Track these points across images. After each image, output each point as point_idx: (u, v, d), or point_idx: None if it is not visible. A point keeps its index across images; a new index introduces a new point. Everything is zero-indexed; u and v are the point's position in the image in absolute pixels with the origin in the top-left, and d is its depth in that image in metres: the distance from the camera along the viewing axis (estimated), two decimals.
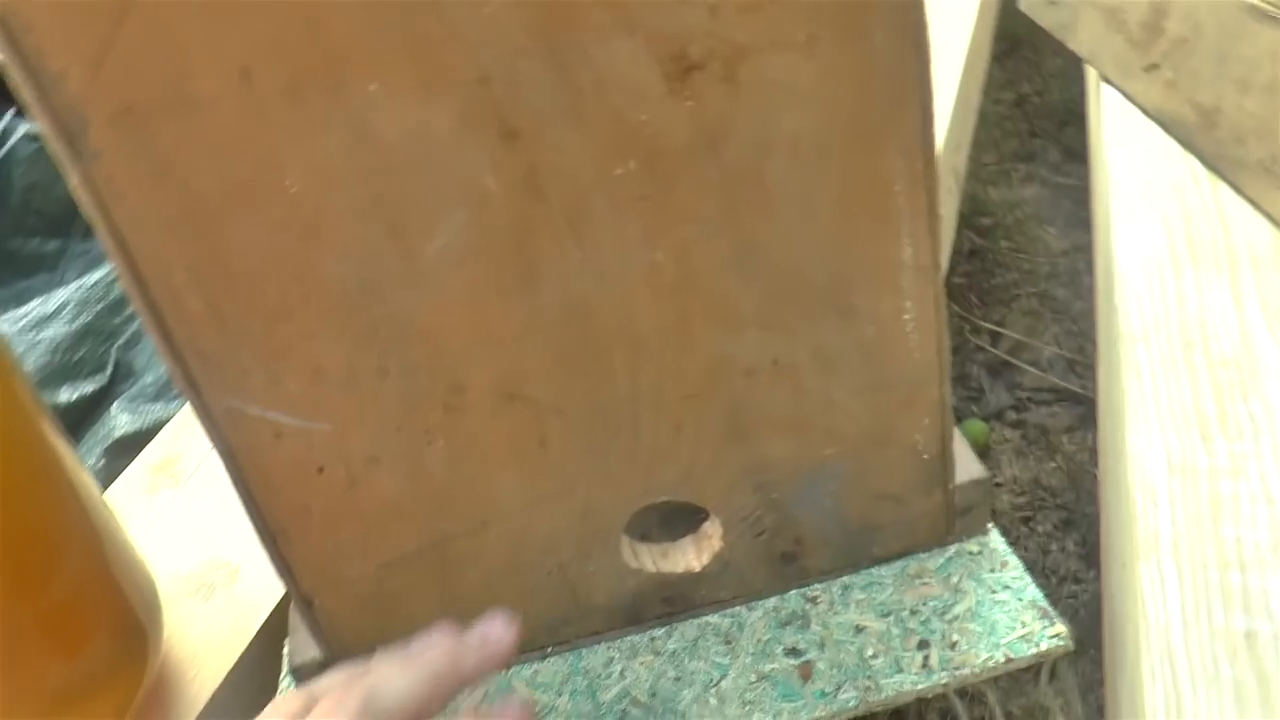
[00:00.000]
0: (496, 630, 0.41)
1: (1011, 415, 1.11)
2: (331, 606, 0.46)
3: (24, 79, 0.32)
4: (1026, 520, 1.00)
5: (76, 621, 0.47)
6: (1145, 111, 0.73)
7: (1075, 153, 1.49)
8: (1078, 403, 1.10)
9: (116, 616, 0.49)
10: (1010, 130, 1.59)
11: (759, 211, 0.38)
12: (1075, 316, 1.21)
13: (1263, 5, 0.63)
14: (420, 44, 0.34)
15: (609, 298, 0.39)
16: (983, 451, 1.09)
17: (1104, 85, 0.78)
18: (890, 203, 0.39)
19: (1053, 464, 1.05)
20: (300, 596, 0.46)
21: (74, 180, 0.34)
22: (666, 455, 0.43)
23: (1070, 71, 1.67)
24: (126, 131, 0.33)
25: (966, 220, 1.39)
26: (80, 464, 0.48)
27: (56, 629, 0.46)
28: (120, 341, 0.92)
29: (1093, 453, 1.04)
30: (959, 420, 1.12)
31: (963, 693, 0.76)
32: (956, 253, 1.34)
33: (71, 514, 0.47)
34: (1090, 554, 0.95)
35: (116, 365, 0.90)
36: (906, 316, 0.42)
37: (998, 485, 1.06)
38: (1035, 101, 1.63)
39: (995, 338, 1.19)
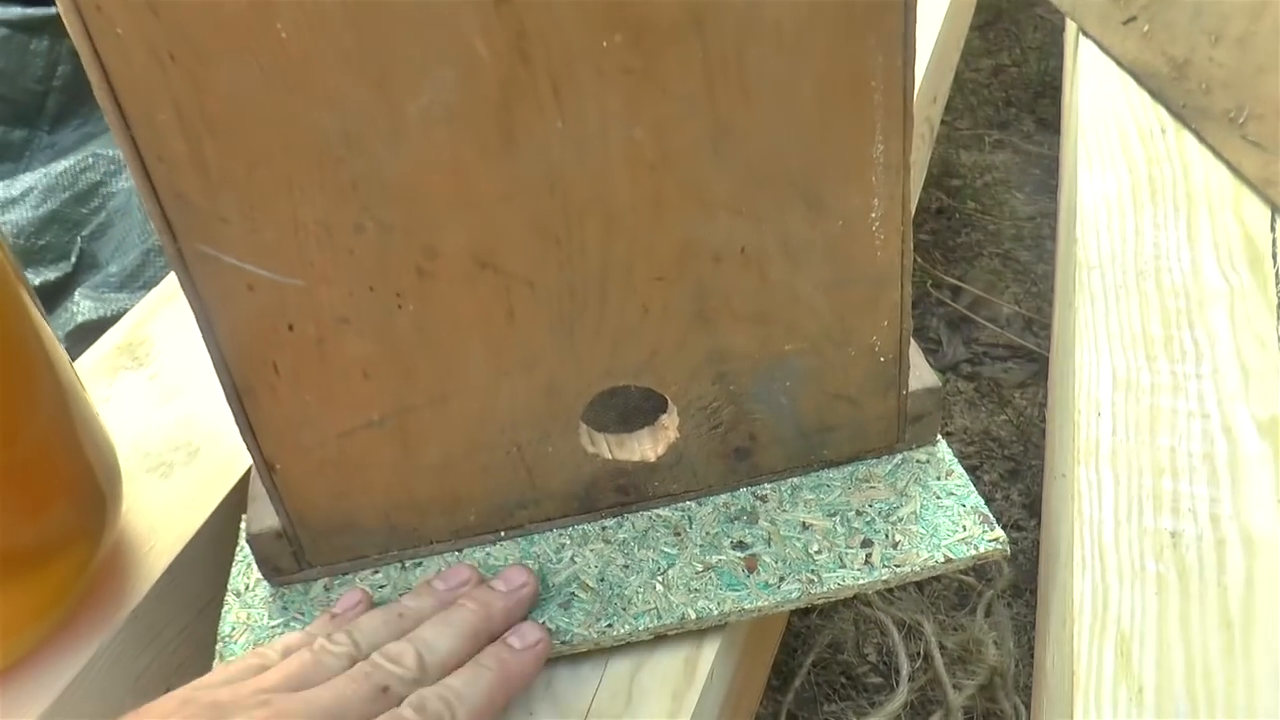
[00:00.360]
0: (519, 577, 0.46)
1: (967, 368, 1.14)
2: (292, 473, 0.47)
3: None
4: (974, 469, 1.03)
5: (41, 482, 0.47)
6: (1120, 63, 0.74)
7: (1048, 123, 1.51)
8: (1032, 360, 1.12)
9: (79, 481, 0.50)
10: (986, 98, 1.61)
11: (738, 95, 0.39)
12: (1036, 278, 1.23)
13: None
14: None
15: (587, 170, 0.40)
16: None
17: (1083, 39, 0.80)
18: (866, 98, 0.40)
19: (1003, 417, 1.07)
20: (263, 460, 0.46)
21: (64, 7, 0.34)
22: (632, 336, 0.44)
23: (1048, 45, 1.69)
24: None
25: (936, 180, 1.41)
26: (52, 332, 0.49)
27: (21, 487, 0.46)
28: (86, 232, 0.91)
29: (1042, 408, 1.06)
30: None
31: (900, 624, 0.79)
32: (924, 210, 1.36)
33: (43, 376, 0.47)
34: (1033, 504, 0.98)
35: (81, 254, 0.89)
36: (873, 214, 0.43)
37: (948, 434, 1.08)
38: (1013, 72, 1.65)
39: (956, 293, 1.21)
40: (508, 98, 0.38)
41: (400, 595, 0.47)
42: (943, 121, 1.56)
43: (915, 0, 0.39)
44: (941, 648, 0.77)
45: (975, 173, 1.42)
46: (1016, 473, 1.01)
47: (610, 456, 0.49)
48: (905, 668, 0.74)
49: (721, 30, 0.38)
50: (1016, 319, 1.18)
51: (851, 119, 0.41)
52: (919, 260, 1.25)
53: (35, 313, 0.47)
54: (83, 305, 0.82)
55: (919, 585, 0.89)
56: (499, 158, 0.39)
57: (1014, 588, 0.89)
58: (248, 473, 0.56)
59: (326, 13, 0.36)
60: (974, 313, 1.18)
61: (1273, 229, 0.57)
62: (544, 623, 0.45)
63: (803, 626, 0.84)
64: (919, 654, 0.77)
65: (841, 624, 0.83)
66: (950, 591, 0.89)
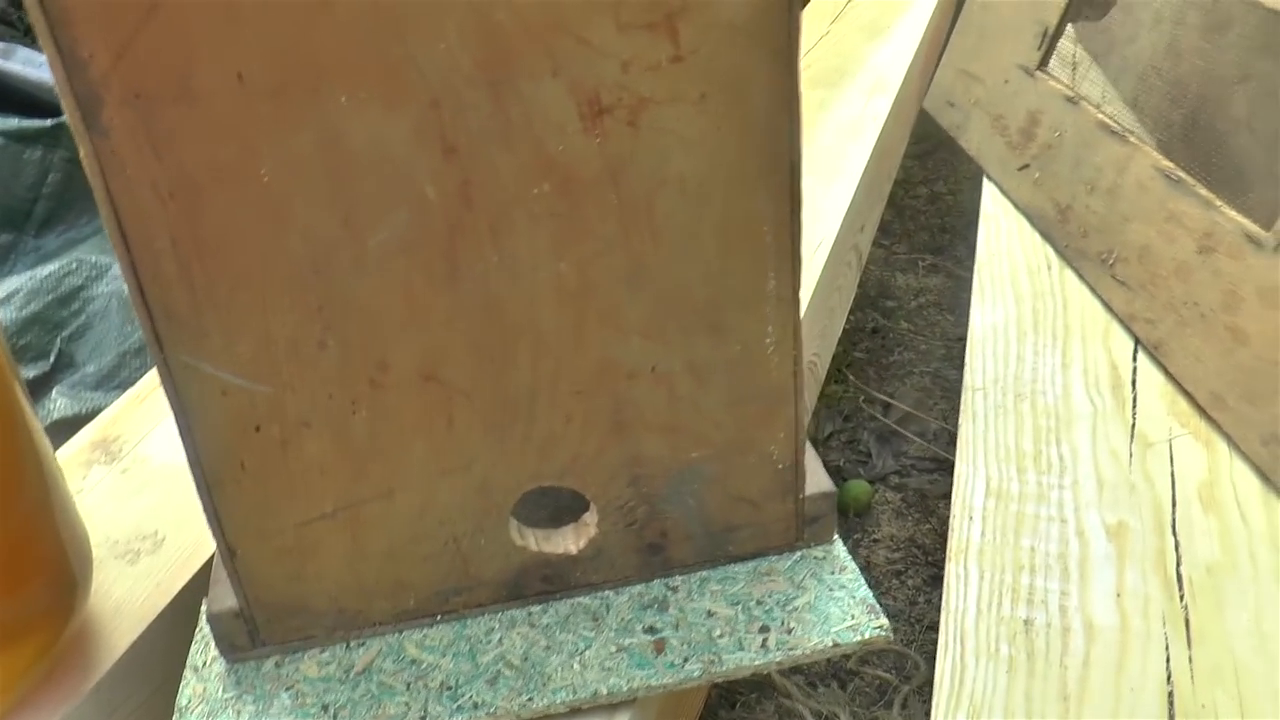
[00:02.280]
0: None
1: (895, 479, 1.20)
2: (252, 558, 0.52)
3: (55, 60, 0.39)
4: (899, 574, 1.09)
5: (20, 562, 0.52)
6: (1017, 205, 0.83)
7: None
8: None
9: (54, 564, 0.55)
10: (923, 224, 1.70)
11: (649, 237, 0.46)
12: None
13: (1109, 122, 0.73)
14: (386, 65, 0.41)
15: (519, 297, 0.47)
16: (865, 511, 1.17)
17: (986, 181, 0.89)
18: (760, 241, 0.48)
19: (928, 525, 1.13)
20: (226, 546, 0.52)
21: (84, 151, 0.41)
22: (557, 443, 0.51)
23: (980, 175, 1.80)
24: (135, 113, 0.40)
25: (872, 301, 1.49)
26: (37, 421, 0.54)
27: (2, 565, 0.51)
28: (66, 333, 0.97)
29: None
30: (846, 480, 1.20)
31: (819, 715, 0.84)
32: (859, 330, 1.44)
33: (31, 464, 0.53)
34: None
35: (60, 354, 0.95)
36: (768, 340, 0.50)
37: (875, 541, 1.14)
38: (948, 199, 1.76)
39: (887, 408, 1.29)
40: (453, 235, 0.45)
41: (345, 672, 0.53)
42: (881, 245, 1.66)
43: (800, 162, 0.47)
44: None
45: (909, 295, 1.51)
46: (938, 578, 1.07)
47: (537, 549, 0.55)
48: None
49: (634, 182, 0.45)
50: (943, 434, 1.25)
51: (747, 258, 0.48)
52: (853, 379, 1.33)
53: (26, 405, 0.53)
54: (59, 402, 0.87)
55: (839, 680, 0.94)
56: (444, 286, 0.46)
57: (929, 684, 0.94)
58: (208, 561, 0.61)
59: (304, 160, 0.43)
60: (903, 427, 1.25)
61: (1134, 359, 0.65)
62: (471, 696, 0.51)
63: (728, 718, 0.88)
64: None
65: (763, 715, 0.88)
66: (870, 688, 0.94)
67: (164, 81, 0.40)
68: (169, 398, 0.47)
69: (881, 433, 1.26)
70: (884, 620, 0.53)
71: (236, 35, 0.40)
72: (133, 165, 0.42)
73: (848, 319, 1.46)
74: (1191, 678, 0.45)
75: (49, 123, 1.11)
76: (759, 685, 0.92)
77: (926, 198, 1.76)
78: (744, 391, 0.51)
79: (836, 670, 0.97)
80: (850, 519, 1.17)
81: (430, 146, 0.43)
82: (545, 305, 0.47)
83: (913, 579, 1.08)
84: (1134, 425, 0.60)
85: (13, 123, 1.10)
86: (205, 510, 0.50)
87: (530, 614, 0.56)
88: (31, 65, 1.14)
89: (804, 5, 1.54)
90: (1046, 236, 0.78)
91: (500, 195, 0.44)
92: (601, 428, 0.51)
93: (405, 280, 0.46)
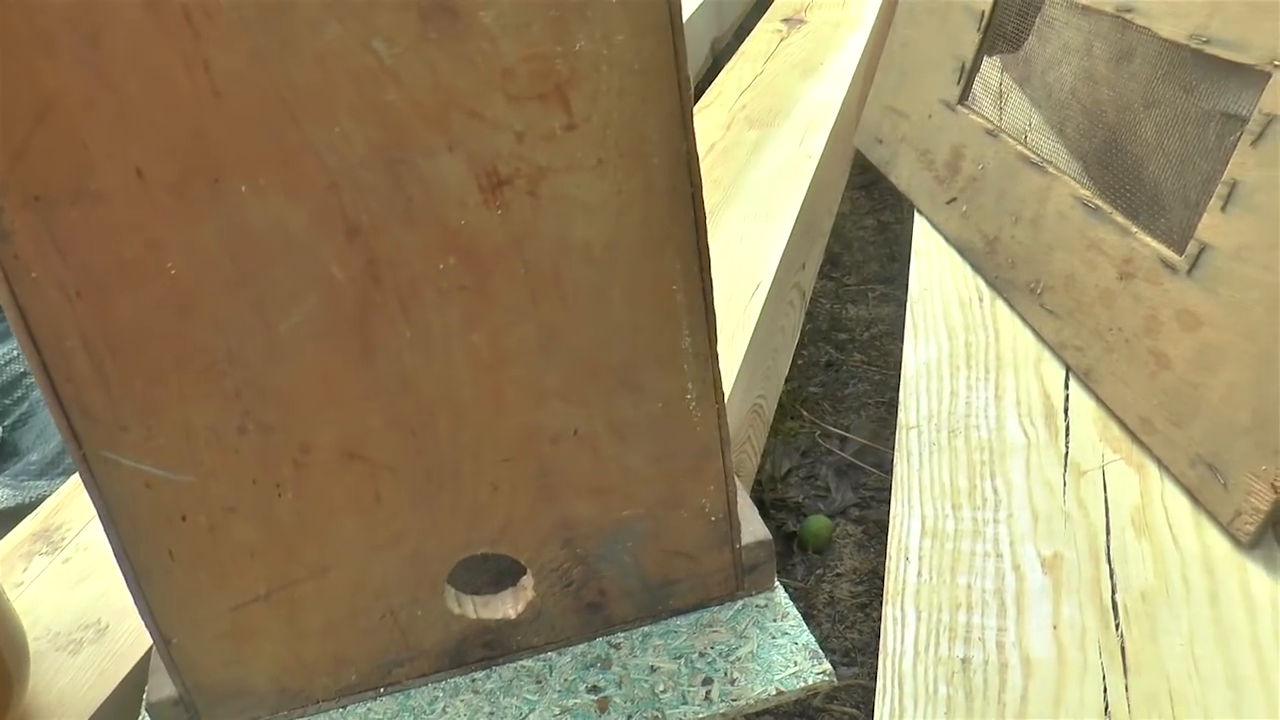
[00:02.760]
0: None
1: (855, 512, 1.21)
2: (188, 645, 0.52)
3: None
4: (863, 607, 1.09)
5: None
6: (947, 239, 0.84)
7: None
8: None
9: None
10: (872, 254, 1.72)
11: (559, 303, 0.47)
12: None
13: (1029, 153, 0.74)
14: (283, 153, 0.42)
15: (435, 371, 0.47)
16: (826, 544, 1.17)
17: (917, 215, 0.90)
18: (670, 299, 0.48)
19: None
20: (160, 635, 0.51)
21: None
22: (485, 511, 0.51)
23: None
24: (35, 216, 0.40)
25: (825, 335, 1.50)
26: None
27: None
28: (8, 422, 0.97)
29: None
30: (805, 516, 1.21)
31: None
32: (814, 364, 1.45)
33: None
34: None
35: (3, 443, 0.94)
36: (689, 396, 0.51)
37: (839, 575, 1.15)
38: (896, 229, 1.77)
39: (843, 442, 1.29)
40: (364, 314, 0.45)
41: None
42: (830, 278, 1.68)
43: (704, 219, 0.47)
44: None
45: (862, 326, 1.52)
46: None
47: (476, 616, 0.54)
48: None
49: (540, 251, 0.46)
50: None
51: (659, 317, 0.48)
52: (807, 415, 1.34)
53: None
54: (2, 493, 0.87)
55: (807, 718, 0.94)
56: (360, 365, 0.46)
57: None
58: (150, 648, 0.61)
59: (210, 251, 0.43)
60: (861, 460, 1.26)
61: (1066, 387, 0.66)
62: None
63: None
64: None
65: None
66: None
67: (63, 182, 0.41)
68: (90, 494, 0.47)
69: (839, 466, 1.27)
70: (826, 665, 0.54)
71: (132, 132, 0.40)
72: (37, 267, 0.42)
73: (800, 355, 1.47)
74: (1128, 707, 0.46)
75: None
76: None
77: (874, 228, 1.78)
78: (669, 448, 0.52)
79: (804, 709, 0.97)
80: (811, 555, 1.17)
81: (333, 229, 0.43)
82: (461, 377, 0.47)
83: (877, 612, 1.08)
84: (1067, 454, 0.60)
85: None
86: (136, 601, 0.50)
87: (474, 680, 0.56)
88: None
89: (726, 57, 1.56)
90: (977, 268, 0.79)
91: (407, 272, 0.45)
92: (529, 493, 0.51)
93: (321, 361, 0.46)
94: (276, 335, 0.45)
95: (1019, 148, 0.75)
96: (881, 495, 1.23)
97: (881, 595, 1.10)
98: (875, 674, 0.75)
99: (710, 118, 1.35)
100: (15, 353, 1.00)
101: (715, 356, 0.50)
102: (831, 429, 1.31)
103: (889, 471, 1.25)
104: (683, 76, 0.44)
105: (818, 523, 1.18)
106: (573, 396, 0.49)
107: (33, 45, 0.39)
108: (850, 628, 1.13)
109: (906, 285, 1.62)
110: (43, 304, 0.43)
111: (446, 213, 0.44)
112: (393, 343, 0.46)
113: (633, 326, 0.48)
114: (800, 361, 1.46)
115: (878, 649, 1.05)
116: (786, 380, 1.35)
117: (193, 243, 0.43)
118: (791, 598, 1.14)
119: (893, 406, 1.37)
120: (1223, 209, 0.55)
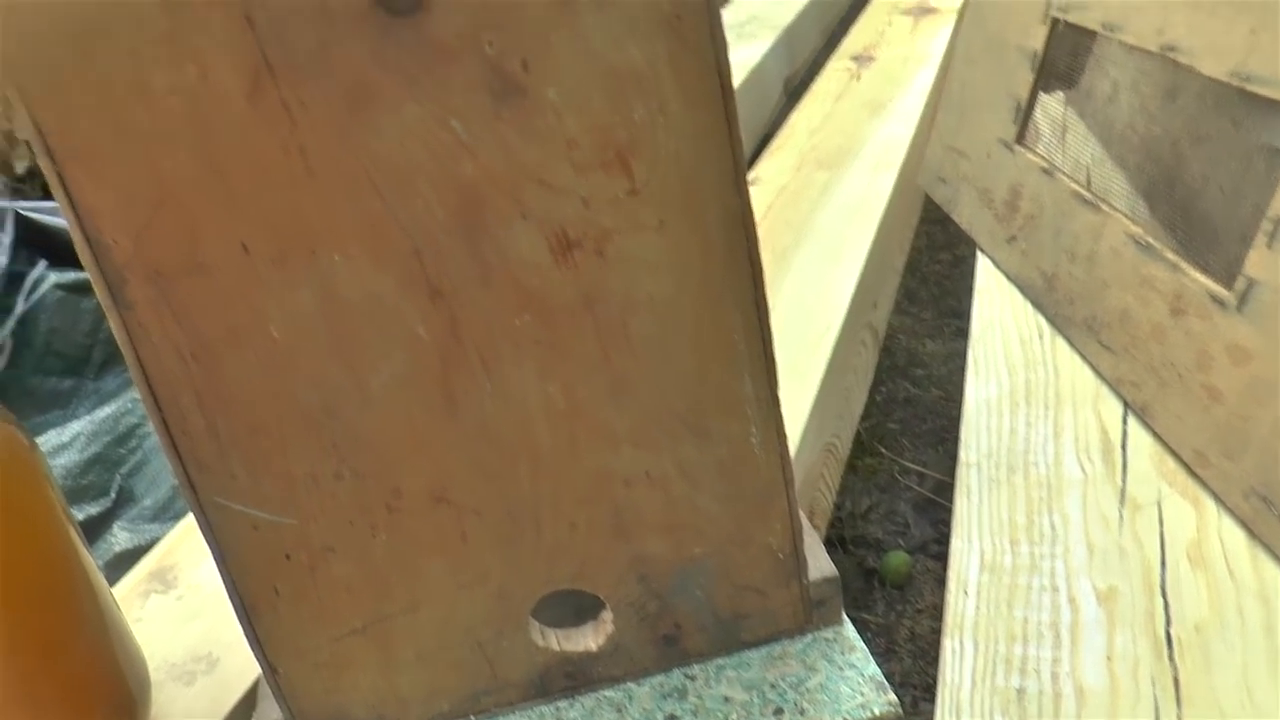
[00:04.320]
0: None
1: (934, 547, 1.22)
2: (292, 674, 0.56)
3: (84, 247, 0.44)
4: None
5: (84, 691, 0.57)
6: (1008, 276, 0.86)
7: None
8: None
9: (115, 690, 0.59)
10: (949, 289, 1.73)
11: (627, 355, 0.50)
12: None
13: (1083, 192, 0.76)
14: (371, 225, 0.46)
15: (513, 420, 0.51)
16: (906, 581, 1.19)
17: (979, 254, 0.92)
18: (732, 348, 0.51)
19: None
20: (268, 665, 0.56)
21: (113, 323, 0.46)
22: (564, 550, 0.54)
23: None
24: (154, 288, 0.45)
25: (903, 371, 1.52)
26: (94, 563, 0.59)
27: (68, 698, 0.56)
28: (124, 469, 1.03)
29: None
30: (885, 552, 1.22)
31: None
32: (891, 401, 1.46)
33: (86, 602, 0.58)
34: None
35: (120, 490, 1.01)
36: (753, 439, 0.54)
37: (919, 611, 1.16)
38: (971, 262, 1.78)
39: (921, 478, 1.31)
40: (447, 369, 0.49)
41: None
42: (908, 314, 1.69)
43: (762, 272, 0.51)
44: None
45: (938, 361, 1.53)
46: None
47: (559, 648, 0.58)
48: None
49: (608, 307, 0.49)
50: None
51: (722, 366, 0.52)
52: (886, 451, 1.35)
53: (80, 547, 0.58)
54: (120, 536, 0.93)
55: None
56: (444, 415, 0.50)
57: None
58: (258, 678, 0.65)
59: (307, 316, 0.47)
60: (939, 495, 1.27)
61: (1124, 422, 0.67)
62: None
63: None
64: None
65: None
66: None
67: (178, 258, 0.45)
68: (204, 535, 0.51)
69: (918, 502, 1.28)
70: (891, 696, 0.56)
71: (237, 212, 0.45)
72: (156, 333, 0.47)
73: (878, 391, 1.48)
74: None
75: None
76: None
77: (949, 262, 1.79)
78: (736, 489, 0.55)
79: None
80: (891, 590, 1.18)
81: (417, 292, 0.47)
82: (538, 425, 0.51)
83: None
84: (1124, 488, 0.62)
85: (69, 276, 1.18)
86: (245, 634, 0.54)
87: (558, 709, 0.59)
88: None
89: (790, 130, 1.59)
90: (1037, 306, 0.81)
91: (486, 329, 0.49)
92: (605, 532, 0.54)
93: (408, 413, 0.50)
94: (368, 391, 0.49)
95: (1073, 186, 0.77)
96: None
97: None
98: None
99: (780, 160, 1.38)
100: (130, 405, 1.07)
101: (777, 401, 0.53)
102: (910, 465, 1.33)
103: None
104: (735, 139, 0.48)
105: (897, 559, 1.19)
106: (643, 441, 0.52)
107: (152, 138, 0.44)
108: (931, 663, 1.14)
109: None
110: (161, 366, 0.48)
111: (521, 274, 0.48)
112: (474, 395, 0.50)
113: (697, 375, 0.52)
114: (878, 398, 1.48)
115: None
116: (864, 417, 1.37)
117: (292, 309, 0.47)
118: (873, 634, 1.16)
119: None
120: (1268, 245, 0.57)
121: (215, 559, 0.52)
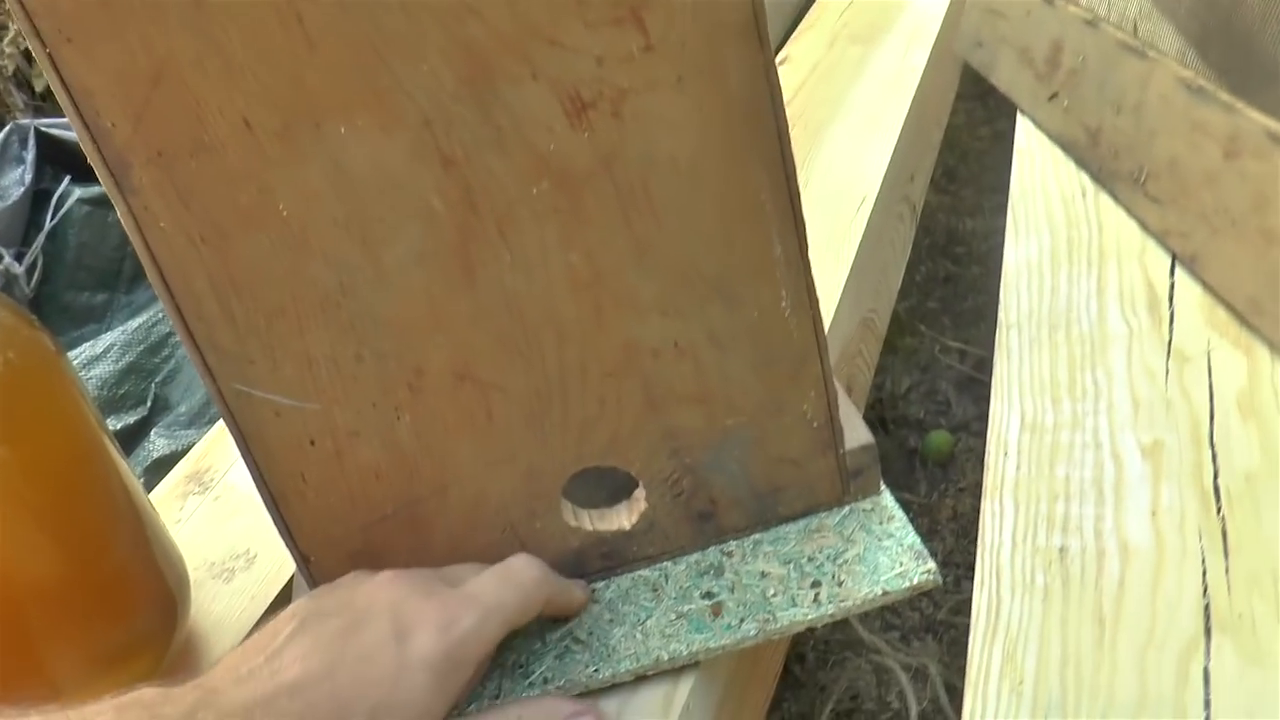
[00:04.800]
0: (580, 590, 0.57)
1: (976, 425, 1.20)
2: (325, 563, 0.56)
3: (84, 133, 0.42)
4: None
5: (123, 593, 0.57)
6: (1049, 135, 0.82)
7: None
8: None
9: (154, 590, 0.59)
10: (989, 164, 1.68)
11: (650, 218, 0.48)
12: None
13: (1129, 40, 0.72)
14: (377, 95, 0.44)
15: (535, 292, 0.49)
16: (949, 460, 1.17)
17: (1019, 115, 0.88)
18: (759, 209, 0.49)
19: None
20: (300, 554, 0.55)
21: (120, 211, 0.45)
22: (593, 425, 0.53)
23: None
24: (159, 170, 0.44)
25: (943, 249, 1.48)
26: (130, 469, 0.59)
27: (108, 598, 0.56)
28: (159, 378, 1.03)
29: None
30: (927, 431, 1.21)
31: (909, 667, 0.85)
32: (931, 280, 1.43)
33: (122, 506, 0.57)
34: None
35: (155, 398, 1.01)
36: (784, 304, 0.52)
37: (961, 490, 1.15)
38: (1011, 137, 1.73)
39: (963, 356, 1.28)
40: (464, 241, 0.48)
41: None
42: (947, 192, 1.65)
43: (787, 128, 0.48)
44: (948, 687, 0.83)
45: (979, 238, 1.50)
46: None
47: (592, 528, 0.57)
48: (914, 707, 0.80)
49: (627, 169, 0.47)
50: None
51: (750, 227, 0.50)
52: (926, 330, 1.33)
53: (115, 455, 0.57)
54: (157, 443, 0.93)
55: (934, 633, 0.95)
56: (463, 289, 0.49)
57: None
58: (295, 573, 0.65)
59: (316, 191, 0.46)
60: (981, 373, 1.25)
61: (1171, 275, 0.65)
62: (541, 672, 0.53)
63: (826, 678, 0.90)
64: (926, 695, 0.83)
65: (855, 672, 0.89)
66: (965, 637, 0.94)
67: (180, 138, 0.44)
68: (227, 424, 0.51)
69: (959, 380, 1.26)
70: (931, 564, 0.55)
71: (237, 84, 0.43)
72: (165, 218, 0.45)
73: (917, 270, 1.45)
74: (1228, 588, 0.46)
75: None
76: (851, 643, 0.93)
77: (989, 138, 1.74)
78: (767, 355, 0.53)
79: (930, 623, 0.98)
80: (933, 470, 1.17)
81: (429, 162, 0.46)
82: (562, 296, 0.49)
83: None
84: (1170, 341, 0.59)
85: (94, 190, 1.17)
86: (276, 524, 0.54)
87: (594, 589, 0.58)
88: None
89: None
90: (1080, 163, 0.78)
91: (502, 198, 0.47)
92: (635, 405, 0.53)
93: (426, 289, 0.48)
94: (383, 266, 0.48)
95: (1118, 35, 0.74)
96: None
97: None
98: None
99: (812, 38, 1.33)
100: (161, 315, 1.07)
101: (807, 264, 0.51)
102: (951, 343, 1.30)
103: None
104: None
105: (939, 438, 1.18)
106: (670, 309, 0.51)
107: (144, 14, 0.42)
108: (974, 541, 1.13)
109: None
110: (171, 251, 0.46)
111: (535, 138, 0.46)
112: (493, 267, 0.48)
113: (724, 237, 0.50)
114: (918, 278, 1.45)
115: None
116: (904, 296, 1.34)
117: (300, 185, 0.46)
118: (915, 513, 1.15)
119: None
120: None
121: (240, 448, 0.52)
